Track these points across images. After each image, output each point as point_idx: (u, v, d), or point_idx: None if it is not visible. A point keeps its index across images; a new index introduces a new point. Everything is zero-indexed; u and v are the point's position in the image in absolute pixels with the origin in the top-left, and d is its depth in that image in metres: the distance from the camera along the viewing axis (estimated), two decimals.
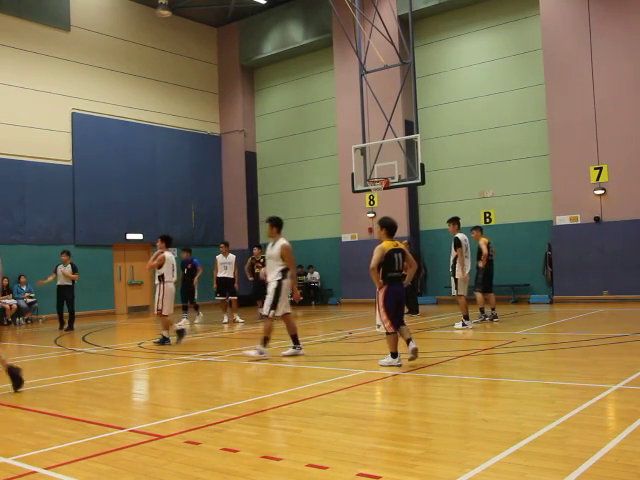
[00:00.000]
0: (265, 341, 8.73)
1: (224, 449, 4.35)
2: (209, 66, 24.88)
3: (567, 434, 4.37)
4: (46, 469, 4.06)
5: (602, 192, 16.72)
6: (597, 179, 16.82)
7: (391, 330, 7.58)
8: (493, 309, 12.67)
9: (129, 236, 21.59)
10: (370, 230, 20.63)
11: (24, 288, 18.24)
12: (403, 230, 19.05)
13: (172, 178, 23.00)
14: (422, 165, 14.97)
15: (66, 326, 15.29)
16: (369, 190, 16.50)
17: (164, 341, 10.96)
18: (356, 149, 16.38)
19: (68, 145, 20.31)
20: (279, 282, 8.76)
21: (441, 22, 20.31)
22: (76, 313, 15.61)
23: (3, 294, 17.13)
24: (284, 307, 8.89)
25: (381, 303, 7.60)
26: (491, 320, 12.49)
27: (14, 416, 5.76)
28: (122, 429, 5.05)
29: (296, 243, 23.17)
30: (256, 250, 16.08)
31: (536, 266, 18.31)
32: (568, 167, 17.24)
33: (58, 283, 15.46)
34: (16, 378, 6.82)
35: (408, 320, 10.43)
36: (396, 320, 7.65)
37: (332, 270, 22.01)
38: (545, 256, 18.06)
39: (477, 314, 12.65)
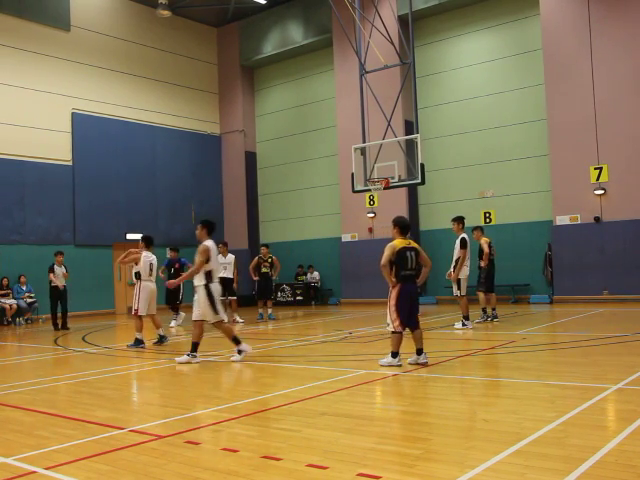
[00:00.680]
0: (195, 346, 8.55)
1: (224, 449, 4.34)
2: (209, 66, 24.88)
3: (567, 434, 4.37)
4: (46, 469, 4.05)
5: (602, 192, 16.72)
6: (597, 179, 16.82)
7: (399, 329, 7.53)
8: (493, 309, 12.68)
9: (129, 236, 21.57)
10: (370, 230, 20.64)
11: (24, 288, 18.23)
12: None
13: (172, 178, 23.00)
14: (422, 165, 14.97)
15: (61, 326, 15.23)
16: (369, 190, 16.50)
17: (162, 340, 10.98)
18: (356, 149, 16.38)
19: (68, 145, 20.31)
20: (206, 287, 8.41)
21: (441, 22, 20.31)
22: (76, 313, 15.56)
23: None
24: (212, 312, 8.46)
25: (393, 302, 7.52)
26: (491, 320, 12.49)
27: (14, 416, 5.75)
28: (122, 429, 5.05)
29: (296, 243, 23.27)
30: (264, 249, 16.04)
31: (536, 266, 18.31)
32: (568, 167, 17.24)
33: (56, 284, 15.27)
34: None
35: None
36: (410, 321, 7.58)
37: (332, 270, 22.02)
38: (545, 256, 18.06)
39: (479, 314, 12.65)
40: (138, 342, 10.81)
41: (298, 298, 21.86)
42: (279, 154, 24.16)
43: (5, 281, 17.96)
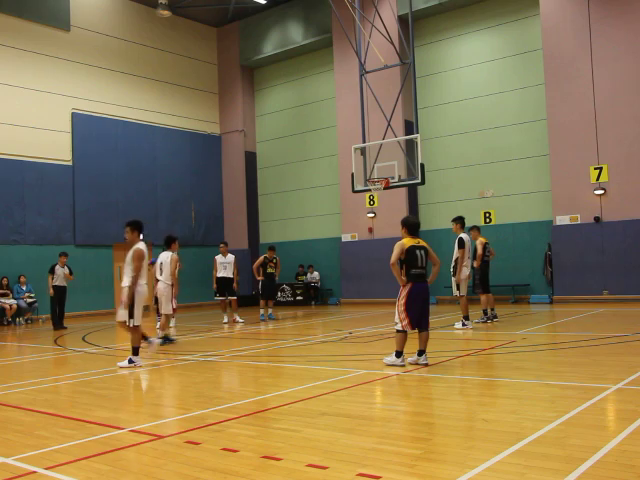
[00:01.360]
0: (135, 351, 8.51)
1: (224, 449, 4.34)
2: (209, 66, 24.88)
3: (567, 434, 4.37)
4: (46, 469, 4.06)
5: (602, 192, 16.72)
6: (597, 179, 16.82)
7: (407, 329, 7.48)
8: (492, 309, 12.69)
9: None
10: (370, 230, 20.64)
11: (24, 288, 18.23)
12: None
13: (172, 178, 22.99)
14: (422, 165, 14.96)
15: (60, 325, 15.31)
16: (369, 190, 16.49)
17: (165, 341, 11.00)
18: (356, 149, 16.37)
19: (68, 145, 20.30)
20: (130, 289, 8.27)
21: (441, 22, 20.30)
22: (76, 313, 15.60)
23: None
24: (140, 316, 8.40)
25: (402, 301, 7.46)
26: (491, 320, 12.50)
27: (14, 416, 5.75)
28: (122, 429, 5.05)
29: (296, 243, 23.27)
30: (271, 252, 16.09)
31: (536, 266, 18.31)
32: (568, 167, 17.24)
33: (56, 284, 15.41)
34: None
35: None
36: (421, 321, 7.51)
37: (332, 270, 22.02)
38: (545, 256, 18.06)
39: (479, 314, 12.65)
40: (165, 339, 10.96)
41: (298, 298, 21.86)
42: (279, 154, 24.16)
43: (5, 281, 17.96)
